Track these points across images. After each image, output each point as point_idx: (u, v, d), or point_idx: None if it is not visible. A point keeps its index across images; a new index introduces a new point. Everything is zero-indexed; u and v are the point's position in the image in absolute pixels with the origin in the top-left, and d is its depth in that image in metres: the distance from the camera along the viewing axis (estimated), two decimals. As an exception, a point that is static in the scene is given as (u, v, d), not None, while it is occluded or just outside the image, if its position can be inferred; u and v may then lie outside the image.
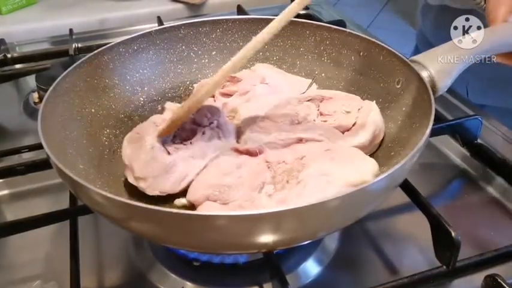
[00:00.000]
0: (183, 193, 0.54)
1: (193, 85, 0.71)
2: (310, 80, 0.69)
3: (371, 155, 0.58)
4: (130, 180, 0.54)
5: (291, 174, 0.51)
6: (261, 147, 0.55)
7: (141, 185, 0.54)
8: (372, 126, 0.57)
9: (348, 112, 0.59)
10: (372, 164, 0.53)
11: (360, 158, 0.54)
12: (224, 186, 0.51)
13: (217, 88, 0.59)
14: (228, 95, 0.67)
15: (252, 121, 0.61)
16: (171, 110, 0.62)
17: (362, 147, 0.57)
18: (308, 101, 0.62)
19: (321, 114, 0.60)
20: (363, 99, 0.63)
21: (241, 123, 0.61)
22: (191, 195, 0.53)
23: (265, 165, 0.53)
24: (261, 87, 0.66)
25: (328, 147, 0.55)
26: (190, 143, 0.57)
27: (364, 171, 0.51)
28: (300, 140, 0.57)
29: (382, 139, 0.59)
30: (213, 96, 0.67)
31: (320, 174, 0.50)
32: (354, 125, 0.58)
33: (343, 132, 0.58)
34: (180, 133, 0.58)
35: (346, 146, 0.56)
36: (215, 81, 0.54)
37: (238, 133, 0.60)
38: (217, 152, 0.57)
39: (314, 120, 0.59)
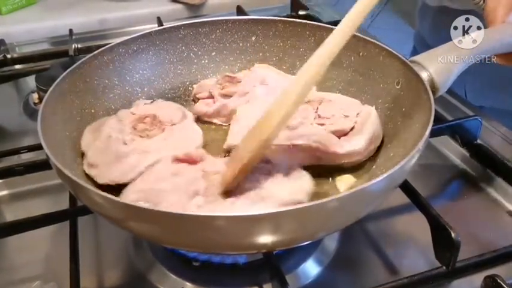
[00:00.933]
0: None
1: (193, 85, 0.71)
2: None
3: (370, 157, 0.58)
4: (85, 167, 0.55)
5: None
6: (203, 154, 0.54)
7: (92, 173, 0.54)
8: (369, 132, 0.57)
9: (346, 116, 0.59)
10: (306, 183, 0.52)
11: (296, 174, 0.53)
12: (154, 190, 0.50)
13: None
14: (227, 96, 0.67)
15: (249, 124, 0.60)
16: (138, 105, 0.63)
17: (358, 153, 0.56)
18: (307, 103, 0.62)
19: (319, 116, 0.60)
20: (363, 100, 0.63)
21: (239, 125, 0.61)
22: (122, 199, 0.50)
23: (201, 174, 0.52)
24: (261, 88, 0.66)
25: (267, 159, 0.54)
26: (147, 135, 0.58)
27: (298, 190, 0.50)
28: (293, 146, 0.56)
29: (382, 141, 0.59)
30: (213, 97, 0.67)
31: (253, 188, 0.49)
32: (351, 129, 0.58)
33: (339, 137, 0.58)
34: (139, 126, 0.59)
35: (284, 159, 0.55)
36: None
37: (235, 131, 0.60)
38: (173, 153, 0.56)
39: (311, 124, 0.59)
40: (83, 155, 0.57)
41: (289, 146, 0.56)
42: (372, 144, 0.57)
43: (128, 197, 0.50)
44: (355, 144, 0.56)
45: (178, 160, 0.54)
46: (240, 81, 0.68)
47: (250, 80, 0.68)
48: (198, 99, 0.69)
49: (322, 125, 0.59)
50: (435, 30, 0.95)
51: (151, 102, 0.65)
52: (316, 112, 0.60)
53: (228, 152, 0.58)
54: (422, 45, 1.00)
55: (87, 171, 0.54)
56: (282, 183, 0.51)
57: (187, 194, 0.49)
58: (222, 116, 0.66)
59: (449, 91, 0.60)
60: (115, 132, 0.56)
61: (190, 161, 0.54)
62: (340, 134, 0.58)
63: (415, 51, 1.04)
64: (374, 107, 0.61)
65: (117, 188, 0.53)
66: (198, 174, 0.52)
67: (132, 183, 0.53)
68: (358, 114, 0.59)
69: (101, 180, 0.53)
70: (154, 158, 0.55)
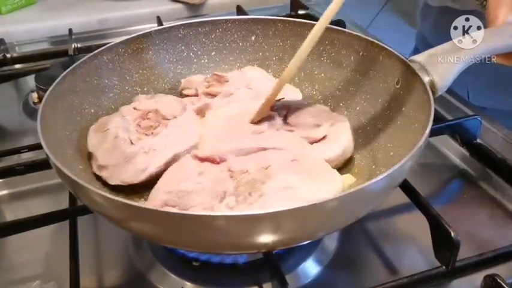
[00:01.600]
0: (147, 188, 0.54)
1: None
2: (298, 89, 0.68)
3: (370, 156, 0.58)
4: (94, 169, 0.55)
5: (254, 185, 0.49)
6: (222, 155, 0.54)
7: (103, 174, 0.54)
8: (342, 144, 0.57)
9: (318, 125, 0.59)
10: (337, 182, 0.52)
11: (326, 173, 0.53)
12: (183, 191, 0.50)
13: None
14: (211, 95, 0.67)
15: (217, 126, 0.61)
16: (140, 100, 0.64)
17: (328, 162, 0.56)
18: (272, 110, 0.61)
19: (288, 124, 0.60)
20: (363, 99, 0.63)
21: (208, 127, 0.61)
22: (150, 201, 0.51)
23: (228, 174, 0.51)
24: (245, 92, 0.66)
25: (295, 157, 0.53)
26: (152, 133, 0.58)
27: (329, 189, 0.50)
28: (262, 149, 0.55)
29: (381, 140, 0.59)
30: (197, 95, 0.67)
31: (283, 188, 0.49)
32: (323, 138, 0.58)
33: (311, 144, 0.58)
34: (144, 123, 0.59)
35: (312, 157, 0.55)
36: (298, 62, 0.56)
37: (203, 137, 0.60)
38: (179, 149, 0.57)
39: (278, 130, 0.59)
40: (89, 155, 0.57)
41: (257, 149, 0.56)
42: (342, 156, 0.57)
43: (158, 197, 0.50)
44: (326, 154, 0.56)
45: (199, 159, 0.54)
46: (227, 81, 0.67)
47: (237, 81, 0.67)
48: (185, 95, 0.68)
49: (291, 131, 0.59)
50: (437, 31, 0.95)
51: (152, 97, 0.66)
52: (284, 120, 0.60)
53: (195, 157, 0.56)
54: (424, 45, 1.00)
55: (97, 173, 0.55)
56: (313, 183, 0.50)
57: (215, 194, 0.49)
58: (203, 115, 0.66)
59: (449, 90, 0.60)
60: (121, 132, 0.57)
61: (211, 160, 0.54)
62: (311, 141, 0.58)
63: (417, 51, 1.04)
64: (345, 114, 0.61)
65: (127, 187, 0.54)
66: (225, 174, 0.51)
67: (159, 183, 0.53)
68: (331, 125, 0.59)
69: (112, 181, 0.54)
70: (163, 158, 0.56)
